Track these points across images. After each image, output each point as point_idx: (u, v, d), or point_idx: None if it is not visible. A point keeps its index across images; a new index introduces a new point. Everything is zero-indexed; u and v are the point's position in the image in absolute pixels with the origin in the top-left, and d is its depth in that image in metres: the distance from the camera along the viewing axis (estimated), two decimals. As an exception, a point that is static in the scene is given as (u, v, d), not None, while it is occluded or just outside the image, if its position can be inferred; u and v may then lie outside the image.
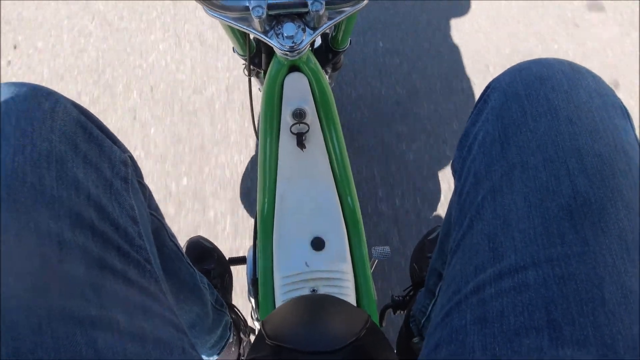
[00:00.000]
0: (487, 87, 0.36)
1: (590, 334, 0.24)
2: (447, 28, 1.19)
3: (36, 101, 0.30)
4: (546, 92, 0.32)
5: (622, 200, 0.27)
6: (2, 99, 0.29)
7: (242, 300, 0.84)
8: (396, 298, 0.64)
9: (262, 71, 0.67)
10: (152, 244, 0.36)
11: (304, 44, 0.45)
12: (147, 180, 0.70)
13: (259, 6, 0.41)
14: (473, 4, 1.22)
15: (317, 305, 0.35)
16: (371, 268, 0.55)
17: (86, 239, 0.28)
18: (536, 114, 0.31)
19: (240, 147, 1.01)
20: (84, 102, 1.05)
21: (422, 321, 0.54)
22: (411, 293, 0.64)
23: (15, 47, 1.11)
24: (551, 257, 0.26)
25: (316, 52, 0.74)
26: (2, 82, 0.32)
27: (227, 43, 1.13)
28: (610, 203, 0.27)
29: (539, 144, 0.30)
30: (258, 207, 0.54)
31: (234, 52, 0.73)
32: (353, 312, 0.35)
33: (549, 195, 0.28)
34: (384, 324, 0.65)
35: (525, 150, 0.30)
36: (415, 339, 0.57)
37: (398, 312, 0.65)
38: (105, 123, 0.36)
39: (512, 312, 0.26)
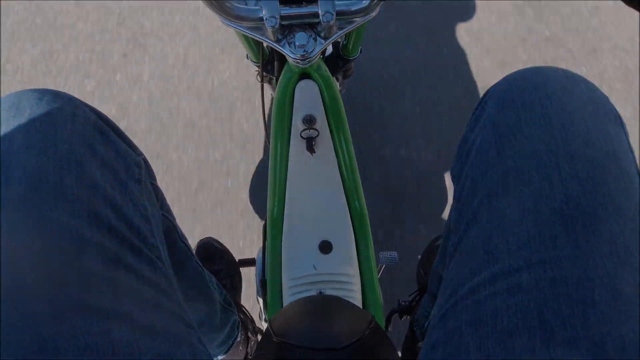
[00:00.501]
0: (485, 95, 0.37)
1: (581, 335, 0.25)
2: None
3: (58, 106, 0.32)
4: (540, 100, 0.32)
5: (613, 205, 0.28)
6: (28, 104, 0.31)
7: (251, 300, 0.86)
8: (402, 303, 0.65)
9: (274, 78, 0.68)
10: (164, 243, 0.38)
11: (315, 52, 0.46)
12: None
13: (273, 17, 0.42)
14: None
15: (323, 305, 0.36)
16: (378, 273, 0.56)
17: (103, 236, 0.29)
18: (530, 121, 0.32)
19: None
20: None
21: (425, 325, 0.55)
22: (417, 298, 0.64)
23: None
24: (544, 259, 0.27)
25: (327, 59, 0.75)
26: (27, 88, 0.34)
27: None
28: (602, 207, 0.28)
29: (533, 150, 0.31)
30: (268, 210, 0.55)
31: (247, 59, 0.75)
32: (357, 313, 0.36)
33: (542, 200, 0.29)
34: (390, 329, 0.66)
35: (519, 156, 0.31)
36: (420, 343, 0.57)
37: (404, 317, 0.65)
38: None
39: (505, 314, 0.27)
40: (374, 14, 0.46)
